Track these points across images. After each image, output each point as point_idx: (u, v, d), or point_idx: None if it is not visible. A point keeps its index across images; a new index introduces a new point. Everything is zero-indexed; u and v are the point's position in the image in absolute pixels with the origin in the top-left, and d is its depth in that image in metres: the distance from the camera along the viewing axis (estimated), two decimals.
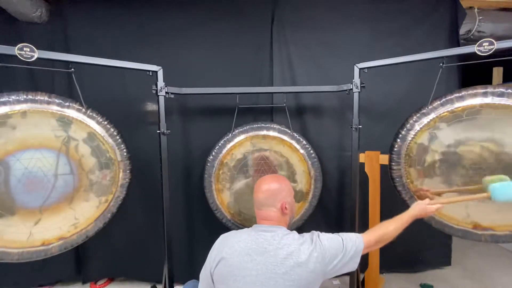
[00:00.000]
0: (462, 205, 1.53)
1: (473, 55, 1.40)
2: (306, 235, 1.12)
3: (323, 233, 1.14)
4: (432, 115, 1.53)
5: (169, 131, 1.76)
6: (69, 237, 1.56)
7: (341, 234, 1.15)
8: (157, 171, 1.81)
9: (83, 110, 1.56)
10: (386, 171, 1.76)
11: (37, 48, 1.35)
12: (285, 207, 1.16)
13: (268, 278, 1.00)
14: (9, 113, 1.38)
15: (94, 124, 1.58)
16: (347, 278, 1.95)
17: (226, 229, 1.80)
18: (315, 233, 1.14)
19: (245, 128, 1.95)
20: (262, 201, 1.17)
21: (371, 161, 1.91)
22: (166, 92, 1.74)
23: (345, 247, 1.10)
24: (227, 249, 1.08)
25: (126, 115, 2.14)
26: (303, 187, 1.98)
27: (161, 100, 1.72)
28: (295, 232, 1.13)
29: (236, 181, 1.97)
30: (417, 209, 1.35)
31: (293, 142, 1.95)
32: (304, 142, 1.96)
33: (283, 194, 1.18)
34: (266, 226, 1.13)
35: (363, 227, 2.02)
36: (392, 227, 1.23)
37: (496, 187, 1.31)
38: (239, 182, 1.97)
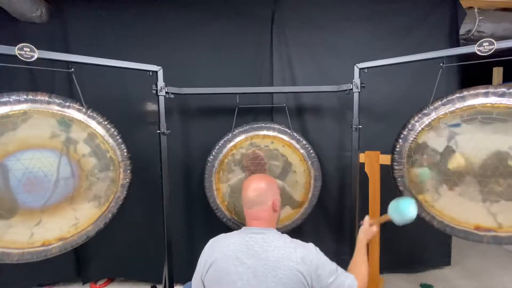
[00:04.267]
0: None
1: (473, 55, 1.40)
2: (299, 241, 1.10)
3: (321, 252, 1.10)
4: (433, 115, 1.53)
5: (169, 131, 1.76)
6: (70, 237, 1.55)
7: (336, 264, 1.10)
8: (157, 171, 1.81)
9: (84, 110, 1.55)
10: (386, 171, 1.77)
11: (37, 48, 1.35)
12: (276, 204, 1.17)
13: (258, 282, 0.99)
14: (9, 113, 1.38)
15: (95, 124, 1.58)
16: None
17: (227, 228, 1.80)
18: (311, 244, 1.10)
19: (245, 128, 1.95)
20: (253, 200, 1.16)
21: (371, 161, 1.91)
22: (166, 92, 1.74)
23: (338, 275, 1.03)
24: (216, 253, 1.06)
25: (126, 115, 2.14)
26: (303, 187, 1.98)
27: (161, 100, 1.72)
28: (286, 235, 1.12)
29: (235, 180, 1.96)
30: (366, 233, 1.34)
31: (293, 142, 1.95)
32: (304, 142, 1.96)
33: (273, 192, 1.19)
34: (256, 228, 1.12)
35: None
36: (364, 266, 1.20)
37: (390, 209, 1.34)
38: (239, 181, 1.97)
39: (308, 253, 1.04)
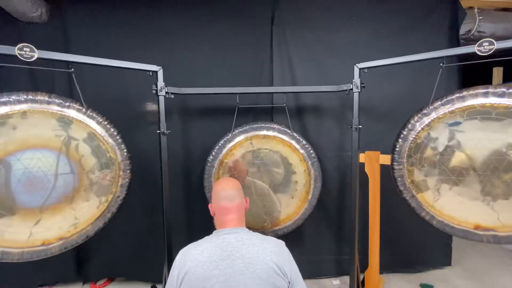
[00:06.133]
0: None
1: (473, 55, 1.40)
2: (272, 237, 1.13)
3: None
4: (433, 115, 1.53)
5: (169, 131, 1.76)
6: (69, 237, 1.56)
7: None
8: (157, 171, 1.81)
9: (83, 110, 1.56)
10: (386, 171, 1.77)
11: (37, 48, 1.35)
12: (247, 201, 1.27)
13: (237, 281, 0.99)
14: (9, 113, 1.38)
15: (94, 124, 1.58)
16: (347, 278, 1.95)
17: None
18: (286, 249, 1.13)
19: (245, 128, 1.95)
20: (235, 193, 1.21)
21: (371, 161, 1.91)
22: (166, 92, 1.74)
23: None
24: (189, 263, 1.04)
25: (126, 115, 2.14)
26: (303, 187, 1.98)
27: (161, 100, 1.72)
28: (257, 233, 1.14)
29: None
30: None
31: (293, 142, 1.95)
32: (304, 142, 1.96)
33: (242, 191, 1.28)
34: (228, 229, 1.13)
35: (363, 226, 2.03)
36: None
37: None
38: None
39: (281, 245, 1.11)
